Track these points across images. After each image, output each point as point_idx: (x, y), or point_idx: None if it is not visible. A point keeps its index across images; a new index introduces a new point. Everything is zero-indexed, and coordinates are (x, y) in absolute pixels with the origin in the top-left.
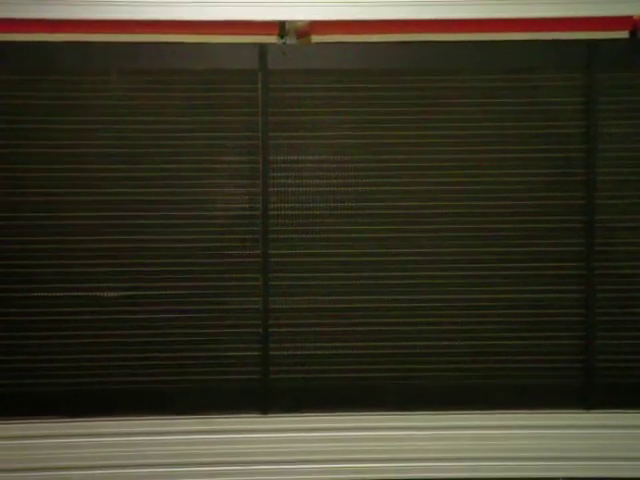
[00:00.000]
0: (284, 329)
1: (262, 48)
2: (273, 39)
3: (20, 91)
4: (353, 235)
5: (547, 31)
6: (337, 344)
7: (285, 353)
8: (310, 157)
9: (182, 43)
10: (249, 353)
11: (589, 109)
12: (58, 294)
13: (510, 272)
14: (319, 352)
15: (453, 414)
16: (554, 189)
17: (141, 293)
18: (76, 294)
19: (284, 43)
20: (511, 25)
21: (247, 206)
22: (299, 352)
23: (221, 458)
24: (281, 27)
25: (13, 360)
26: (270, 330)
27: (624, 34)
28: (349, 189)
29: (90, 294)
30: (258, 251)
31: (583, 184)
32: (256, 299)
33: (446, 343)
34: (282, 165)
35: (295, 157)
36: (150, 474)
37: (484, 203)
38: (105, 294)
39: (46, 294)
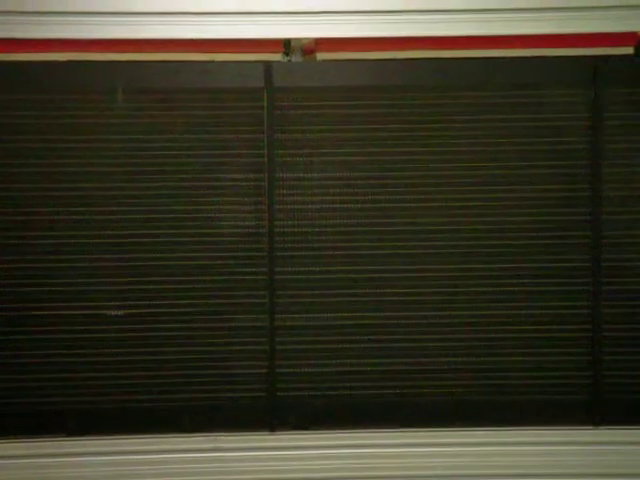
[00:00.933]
0: (290, 346)
1: (267, 66)
2: (278, 57)
3: (25, 110)
4: (360, 252)
5: (552, 47)
6: (344, 361)
7: (292, 370)
8: (316, 174)
9: (186, 61)
10: (255, 371)
11: (594, 125)
12: (64, 312)
13: (516, 288)
14: (326, 369)
15: (460, 431)
16: (560, 205)
17: (146, 311)
18: (80, 312)
19: (289, 61)
20: (516, 42)
21: (253, 224)
22: (306, 369)
23: (228, 476)
24: (286, 45)
25: (16, 379)
26: (277, 347)
27: (629, 50)
28: (355, 206)
29: (94, 312)
30: (264, 268)
31: (589, 200)
32: (262, 317)
33: (452, 359)
34: (288, 182)
35: (301, 174)
36: None
37: (490, 219)
38: (109, 312)
39: (52, 312)
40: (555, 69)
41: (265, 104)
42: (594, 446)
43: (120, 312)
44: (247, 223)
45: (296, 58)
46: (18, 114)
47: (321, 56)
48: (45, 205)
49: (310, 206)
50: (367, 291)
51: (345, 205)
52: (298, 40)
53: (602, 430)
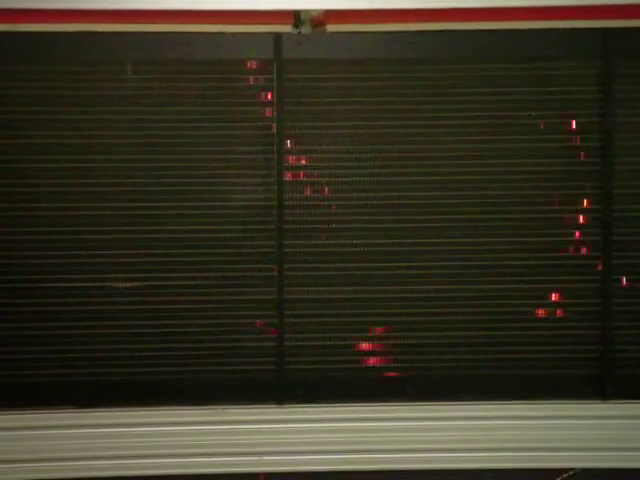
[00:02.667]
0: (299, 320)
1: (277, 38)
2: (288, 28)
3: (33, 82)
4: (368, 225)
5: (562, 19)
6: (352, 334)
7: (300, 344)
8: (325, 147)
9: (196, 33)
10: (264, 344)
11: (605, 98)
12: (74, 284)
13: (528, 262)
14: (334, 343)
15: (469, 404)
16: (570, 179)
17: (155, 284)
18: (90, 285)
19: (299, 32)
20: (526, 13)
21: (262, 197)
22: (314, 343)
23: (236, 449)
24: (296, 16)
25: (28, 351)
26: (285, 321)
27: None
28: (364, 179)
29: (104, 284)
30: (273, 242)
31: (600, 174)
32: (271, 289)
33: (462, 333)
34: (297, 155)
35: (310, 147)
36: (165, 464)
37: (501, 192)
38: (119, 285)
39: (64, 284)
40: (565, 41)
41: (275, 76)
42: (604, 420)
43: (128, 285)
44: (256, 196)
45: (306, 30)
46: (27, 85)
47: (330, 28)
48: (54, 177)
49: (319, 179)
50: (375, 264)
51: (354, 178)
52: (308, 12)
53: (612, 404)
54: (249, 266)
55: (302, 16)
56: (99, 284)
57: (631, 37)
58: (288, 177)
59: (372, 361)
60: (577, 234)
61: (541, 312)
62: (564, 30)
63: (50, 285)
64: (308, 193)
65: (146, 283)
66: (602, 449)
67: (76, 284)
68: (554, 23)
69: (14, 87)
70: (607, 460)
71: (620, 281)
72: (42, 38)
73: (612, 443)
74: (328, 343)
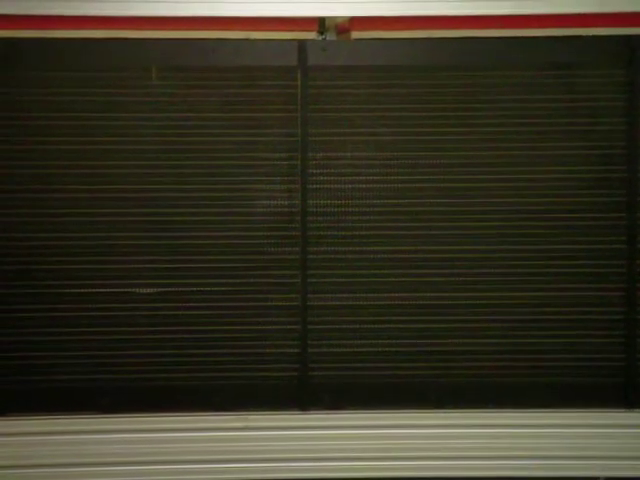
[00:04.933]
0: (323, 326)
1: (301, 44)
2: (313, 35)
3: (60, 88)
4: (392, 232)
5: (589, 27)
6: (375, 341)
7: (324, 350)
8: (349, 154)
9: (221, 40)
10: (288, 350)
11: (631, 106)
12: (99, 290)
13: (551, 270)
14: (357, 349)
15: (492, 412)
16: (595, 186)
17: (180, 290)
18: (114, 291)
19: (324, 39)
20: (552, 21)
21: (286, 203)
22: (338, 349)
23: (260, 455)
24: (321, 23)
25: (48, 356)
26: (309, 327)
27: None
28: (388, 186)
29: (128, 290)
30: (297, 248)
31: (625, 181)
32: (295, 296)
33: (486, 341)
34: (321, 162)
35: (334, 154)
36: (187, 471)
37: (524, 200)
38: (142, 291)
39: (88, 290)
40: (591, 49)
41: (299, 83)
42: (628, 429)
43: (153, 291)
44: (280, 202)
45: (330, 37)
46: (54, 91)
47: (355, 35)
48: (80, 182)
49: (343, 186)
50: (399, 271)
51: (378, 185)
52: (333, 19)
53: (635, 413)
54: (273, 272)
55: (327, 23)
56: (123, 290)
57: None
58: (312, 184)
59: (396, 367)
60: (601, 242)
61: (564, 320)
62: (591, 38)
63: (72, 291)
64: (332, 200)
65: (169, 289)
66: (625, 458)
67: (100, 290)
68: (581, 31)
69: (41, 94)
70: (631, 469)
71: None
72: (70, 45)
73: (636, 452)
74: (351, 350)
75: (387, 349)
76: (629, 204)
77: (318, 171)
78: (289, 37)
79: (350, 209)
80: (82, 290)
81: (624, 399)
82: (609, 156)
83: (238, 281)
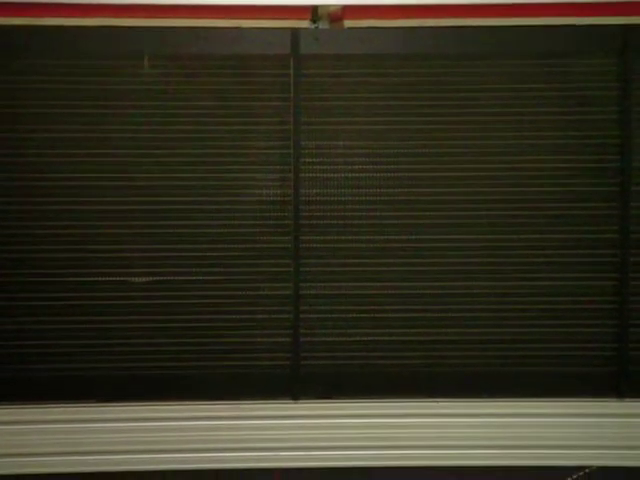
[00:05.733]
0: (315, 315)
1: (294, 33)
2: (305, 24)
3: (53, 76)
4: (384, 221)
5: (581, 16)
6: (368, 330)
7: (316, 339)
8: (342, 143)
9: (214, 28)
10: (280, 339)
11: (624, 95)
12: (91, 279)
13: (544, 259)
14: (350, 338)
15: (483, 402)
16: (588, 176)
17: (171, 279)
18: (108, 279)
19: (316, 28)
20: (545, 10)
21: (279, 192)
22: (330, 338)
23: (252, 444)
24: (314, 12)
25: (42, 345)
26: (301, 316)
27: None
28: (380, 175)
29: (121, 279)
30: (289, 237)
31: (618, 171)
32: (287, 285)
33: (477, 330)
34: (314, 151)
35: (327, 143)
36: (180, 459)
37: (517, 189)
38: (136, 279)
39: (80, 279)
40: (584, 38)
41: (292, 71)
42: (619, 418)
43: (145, 280)
44: (273, 191)
45: (323, 25)
46: (47, 79)
47: (348, 23)
48: (72, 171)
49: (336, 175)
50: (392, 260)
51: (371, 174)
52: (325, 7)
53: (627, 402)
54: (265, 261)
55: (319, 11)
56: (116, 279)
57: None
58: (305, 173)
59: (388, 357)
60: (593, 231)
61: (556, 309)
62: (584, 27)
63: (64, 280)
64: (325, 189)
65: (162, 278)
66: (617, 447)
67: (93, 279)
68: (573, 19)
69: (35, 81)
70: (622, 458)
71: (637, 279)
72: (63, 32)
73: (627, 441)
74: (343, 339)
75: (379, 338)
76: (622, 193)
77: (311, 160)
78: (282, 25)
79: (343, 198)
80: (74, 279)
81: (616, 388)
82: (602, 145)
83: (230, 270)
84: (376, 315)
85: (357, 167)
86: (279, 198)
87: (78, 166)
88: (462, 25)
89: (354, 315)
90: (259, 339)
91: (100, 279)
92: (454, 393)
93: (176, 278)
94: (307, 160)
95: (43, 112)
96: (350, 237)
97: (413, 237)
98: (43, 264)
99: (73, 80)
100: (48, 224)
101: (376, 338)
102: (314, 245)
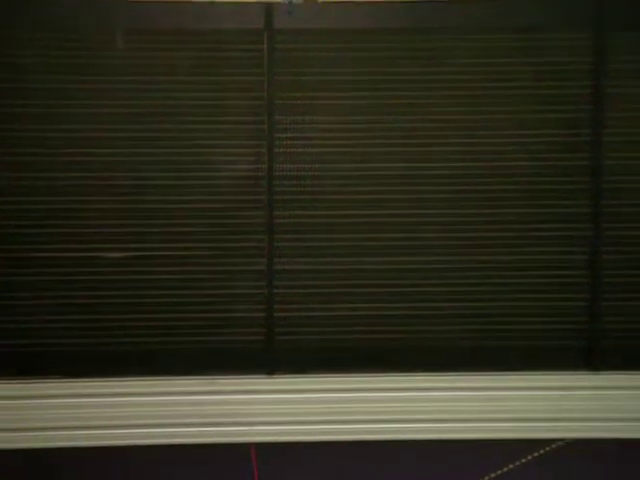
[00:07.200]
0: (289, 290)
1: (268, 7)
2: None
3: (24, 49)
4: (359, 197)
5: None
6: (342, 305)
7: (290, 314)
8: (316, 118)
9: (187, 2)
10: (254, 314)
11: (597, 69)
12: (63, 254)
13: (515, 234)
14: (324, 313)
15: (458, 375)
16: (560, 150)
17: (145, 254)
18: (79, 255)
19: (290, 2)
20: None
21: (252, 167)
22: (304, 313)
23: (226, 419)
24: None
25: (13, 320)
26: (275, 291)
27: None
28: (355, 150)
29: (93, 255)
30: (263, 212)
31: (590, 145)
32: (261, 260)
33: (451, 305)
34: (288, 126)
35: (301, 117)
36: (155, 434)
37: (489, 164)
38: (108, 255)
39: (49, 254)
40: (557, 10)
41: (265, 46)
42: (592, 391)
43: (117, 255)
44: (246, 166)
45: (297, 0)
46: (18, 53)
47: None
48: (45, 146)
49: (310, 150)
50: (366, 235)
51: (345, 149)
52: None
53: (601, 375)
54: (239, 237)
55: None
56: (87, 254)
57: (625, 7)
58: (279, 147)
59: (363, 331)
60: (565, 205)
61: (528, 283)
62: None
63: (38, 255)
64: (299, 164)
65: (135, 253)
66: (590, 419)
67: (65, 254)
68: None
69: (2, 54)
70: (595, 430)
71: (609, 252)
72: (32, 4)
73: (600, 414)
74: (318, 314)
75: (353, 313)
76: (594, 167)
77: (285, 135)
78: (255, 0)
79: (317, 173)
80: (46, 254)
81: (588, 362)
82: (574, 120)
83: (204, 245)
84: (351, 290)
85: (331, 142)
86: (253, 173)
87: (47, 141)
88: None
89: (329, 290)
90: (233, 314)
91: (70, 255)
92: (425, 367)
93: (148, 254)
94: (281, 135)
95: (10, 87)
96: (325, 212)
97: (388, 212)
98: (12, 239)
99: (40, 53)
100: (15, 199)
101: (351, 313)
102: (288, 220)
